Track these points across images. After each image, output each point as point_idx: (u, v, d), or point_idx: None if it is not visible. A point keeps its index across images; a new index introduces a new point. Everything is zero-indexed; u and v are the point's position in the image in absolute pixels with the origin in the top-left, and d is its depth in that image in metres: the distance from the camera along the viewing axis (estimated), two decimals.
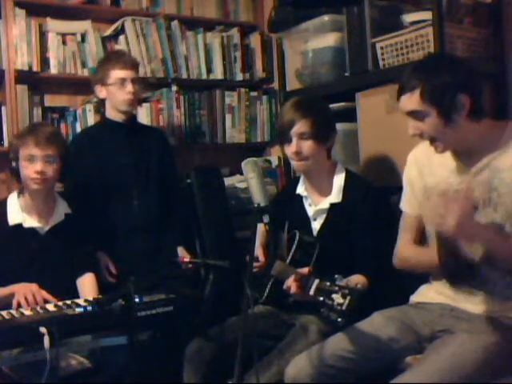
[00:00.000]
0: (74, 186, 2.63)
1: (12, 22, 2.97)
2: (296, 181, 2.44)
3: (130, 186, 2.75)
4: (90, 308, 1.93)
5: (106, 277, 2.62)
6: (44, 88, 3.17)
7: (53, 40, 3.10)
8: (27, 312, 1.97)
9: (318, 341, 2.02)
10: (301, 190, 2.37)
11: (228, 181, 3.43)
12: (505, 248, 1.67)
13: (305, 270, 2.02)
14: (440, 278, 1.96)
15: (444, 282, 1.94)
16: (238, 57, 3.65)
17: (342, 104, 2.85)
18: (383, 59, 2.66)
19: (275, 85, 3.60)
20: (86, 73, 3.18)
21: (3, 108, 2.97)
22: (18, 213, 2.31)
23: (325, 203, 2.28)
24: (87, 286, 2.38)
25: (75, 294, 2.31)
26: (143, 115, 3.30)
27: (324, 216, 2.28)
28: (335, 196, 2.26)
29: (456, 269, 1.83)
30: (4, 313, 1.94)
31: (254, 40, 3.74)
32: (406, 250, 2.02)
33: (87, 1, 3.22)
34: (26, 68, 3.01)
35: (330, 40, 2.90)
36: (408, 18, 2.60)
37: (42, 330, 1.70)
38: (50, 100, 3.19)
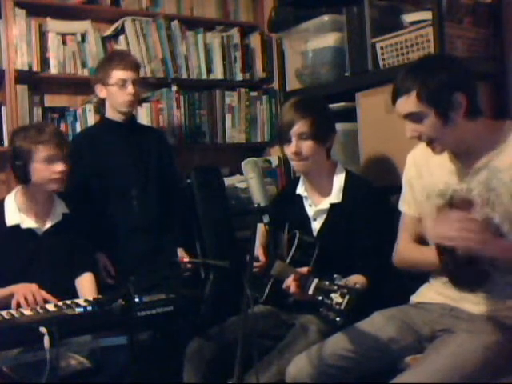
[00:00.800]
0: (73, 186, 2.63)
1: (12, 22, 2.97)
2: (296, 181, 2.44)
3: (130, 186, 2.75)
4: (90, 308, 1.93)
5: (104, 278, 2.62)
6: (44, 88, 3.17)
7: (53, 40, 3.10)
8: (27, 312, 1.97)
9: (318, 340, 2.02)
10: (301, 190, 2.37)
11: (228, 181, 3.43)
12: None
13: (304, 269, 2.02)
14: (440, 277, 1.96)
15: (444, 282, 1.94)
16: (238, 57, 3.65)
17: (342, 104, 2.85)
18: (383, 59, 2.66)
19: (275, 85, 3.60)
20: (85, 73, 3.17)
21: (3, 108, 2.97)
22: (15, 214, 2.31)
23: (325, 203, 2.28)
24: (86, 285, 2.37)
25: (74, 294, 2.30)
26: (143, 115, 3.30)
27: (324, 216, 2.28)
28: (335, 196, 2.26)
29: (456, 269, 1.83)
30: (4, 313, 1.94)
31: (254, 40, 3.74)
32: (405, 249, 2.03)
33: (87, 1, 3.22)
34: (26, 68, 3.01)
35: (330, 40, 2.90)
36: (408, 17, 2.60)
37: (42, 330, 1.70)
38: (50, 100, 3.19)
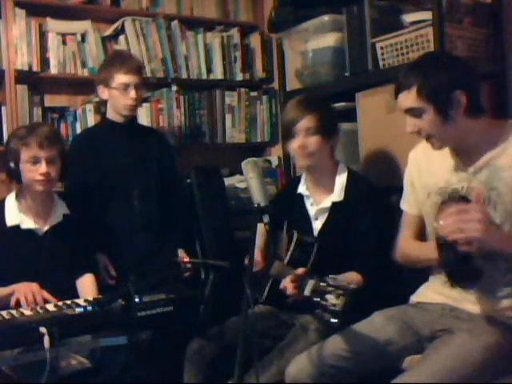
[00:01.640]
0: (74, 187, 2.63)
1: (12, 22, 2.97)
2: (296, 180, 2.44)
3: (130, 187, 2.75)
4: (90, 308, 1.93)
5: (105, 279, 2.61)
6: (44, 88, 3.17)
7: (53, 40, 3.10)
8: (27, 312, 1.97)
9: (318, 340, 2.02)
10: (302, 189, 2.37)
11: (228, 181, 3.43)
12: None
13: (301, 270, 2.02)
14: (439, 274, 1.96)
15: (444, 282, 1.94)
16: (238, 57, 3.65)
17: (342, 104, 2.85)
18: (383, 59, 2.66)
19: (275, 85, 3.60)
20: (86, 73, 3.18)
21: (3, 108, 2.97)
22: (15, 214, 2.30)
23: (327, 202, 2.28)
24: (87, 286, 2.37)
25: (74, 296, 2.29)
26: (143, 115, 3.30)
27: (326, 215, 2.28)
28: (337, 195, 2.27)
29: (453, 264, 1.83)
30: (4, 313, 1.94)
31: (254, 40, 3.74)
32: (406, 245, 2.04)
33: (87, 1, 3.22)
34: (26, 68, 3.01)
35: (330, 40, 2.90)
36: (408, 17, 2.60)
37: (42, 330, 1.70)
38: (50, 100, 3.19)
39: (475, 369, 1.71)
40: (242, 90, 3.66)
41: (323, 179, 2.31)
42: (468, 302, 1.88)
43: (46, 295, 2.14)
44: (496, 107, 2.50)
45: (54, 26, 3.12)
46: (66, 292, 2.25)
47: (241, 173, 3.23)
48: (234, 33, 3.66)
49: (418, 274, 2.07)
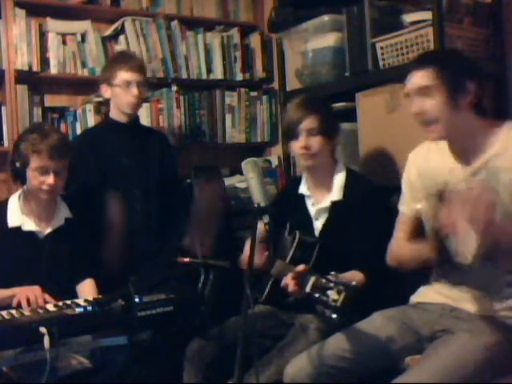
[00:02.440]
0: (75, 188, 2.62)
1: (12, 22, 2.97)
2: (297, 180, 2.44)
3: (132, 188, 2.75)
4: (90, 308, 1.93)
5: None
6: (44, 88, 3.16)
7: (53, 40, 3.10)
8: (27, 312, 1.97)
9: (318, 340, 2.02)
10: (303, 189, 2.38)
11: (228, 181, 3.43)
12: None
13: (301, 267, 2.02)
14: (440, 278, 1.96)
15: (444, 282, 1.94)
16: (238, 57, 3.65)
17: (342, 104, 2.85)
18: (383, 59, 2.66)
19: (275, 85, 3.60)
20: (86, 73, 3.18)
21: (3, 108, 2.97)
22: (17, 215, 2.29)
23: (326, 201, 2.28)
24: (87, 291, 2.34)
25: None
26: (143, 115, 3.29)
27: (326, 215, 2.28)
28: (336, 194, 2.27)
29: (449, 265, 1.83)
30: (4, 313, 1.94)
31: (254, 40, 3.74)
32: (398, 248, 2.02)
33: (87, 1, 3.22)
34: (26, 68, 3.01)
35: (330, 40, 2.90)
36: (408, 17, 2.60)
37: (42, 330, 1.70)
38: (50, 100, 3.19)
39: (475, 369, 1.71)
40: (242, 89, 3.66)
41: (323, 179, 2.31)
42: (468, 302, 1.88)
43: (48, 298, 2.13)
44: (496, 107, 2.50)
45: (54, 26, 3.12)
46: (67, 295, 2.24)
47: (241, 173, 3.23)
48: (234, 33, 3.66)
49: (418, 274, 2.07)
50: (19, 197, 2.33)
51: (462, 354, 1.73)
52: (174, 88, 3.41)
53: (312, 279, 1.84)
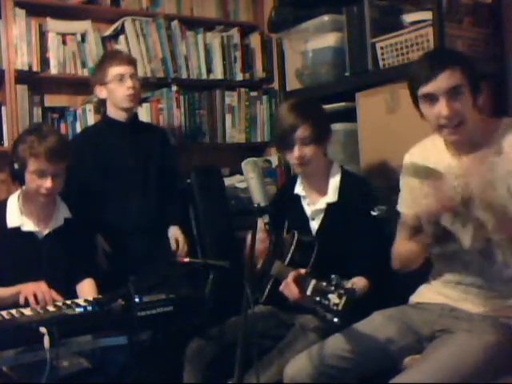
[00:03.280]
0: (75, 187, 2.62)
1: (12, 22, 2.97)
2: (294, 180, 2.44)
3: (131, 186, 2.75)
4: (90, 308, 1.93)
5: (100, 258, 2.60)
6: (44, 88, 3.17)
7: (53, 40, 3.10)
8: (27, 312, 1.97)
9: (318, 340, 2.02)
10: (299, 189, 2.37)
11: (228, 181, 3.43)
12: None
13: (301, 270, 2.01)
14: (441, 276, 1.96)
15: (444, 282, 1.95)
16: (238, 57, 3.65)
17: (342, 104, 2.85)
18: (383, 59, 2.66)
19: (275, 85, 3.60)
20: (86, 73, 3.18)
21: (3, 108, 2.97)
22: (16, 215, 2.29)
23: (321, 203, 2.28)
24: (86, 291, 2.34)
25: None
26: (143, 115, 3.30)
27: (321, 216, 2.28)
28: (331, 196, 2.26)
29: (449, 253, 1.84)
30: (4, 313, 1.94)
31: (254, 40, 3.74)
32: (400, 248, 2.01)
33: (87, 1, 3.22)
34: (26, 68, 3.01)
35: (330, 40, 2.90)
36: (408, 17, 2.60)
37: (42, 330, 1.70)
38: (50, 100, 3.19)
39: (475, 368, 1.71)
40: (242, 89, 3.66)
41: (318, 180, 2.30)
42: (468, 302, 1.88)
43: (54, 294, 2.12)
44: (496, 107, 2.50)
45: (53, 26, 3.12)
46: (66, 295, 2.23)
47: (241, 173, 3.23)
48: (234, 33, 3.66)
49: (418, 274, 2.06)
50: (18, 197, 2.33)
51: (461, 354, 1.73)
52: (174, 88, 3.42)
53: (312, 282, 1.84)
